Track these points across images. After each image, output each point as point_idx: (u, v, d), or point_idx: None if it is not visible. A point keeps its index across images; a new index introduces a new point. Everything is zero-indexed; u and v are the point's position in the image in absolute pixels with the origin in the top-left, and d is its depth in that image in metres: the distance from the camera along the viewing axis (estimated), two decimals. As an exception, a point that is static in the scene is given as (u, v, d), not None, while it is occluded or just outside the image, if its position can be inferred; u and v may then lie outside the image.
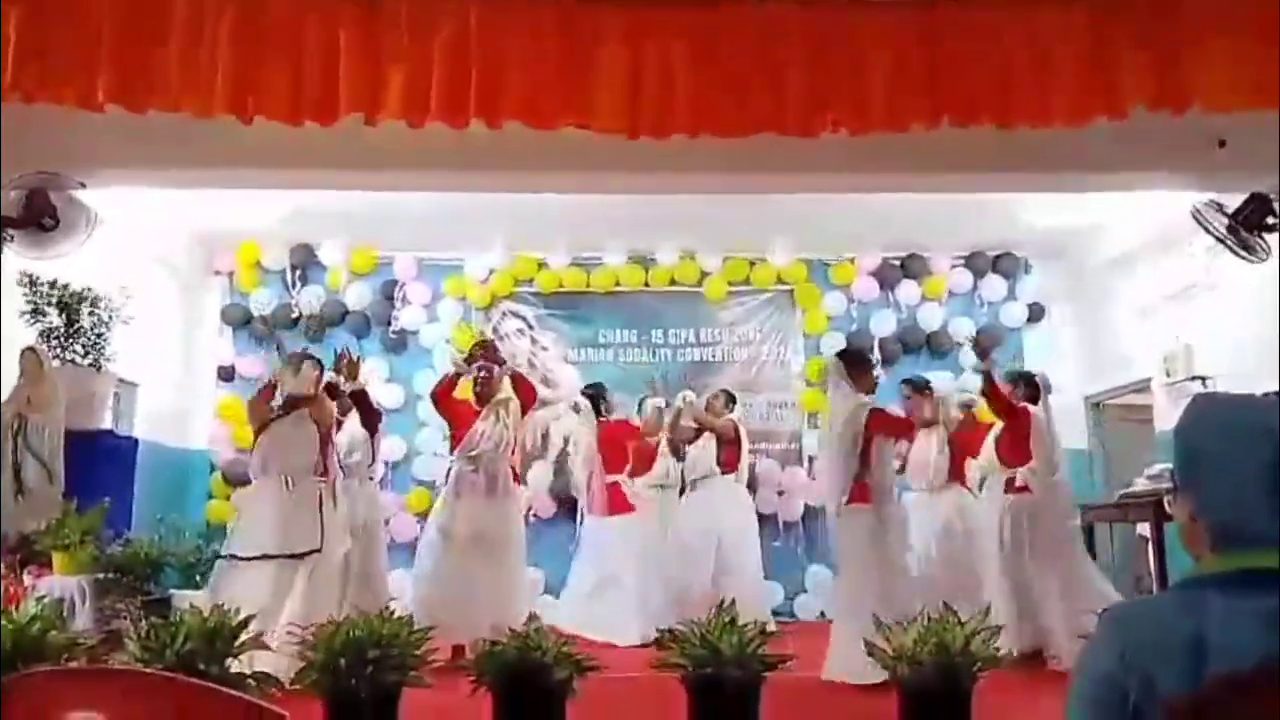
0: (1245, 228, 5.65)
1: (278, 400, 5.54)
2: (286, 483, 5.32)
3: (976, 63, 4.92)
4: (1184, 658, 1.22)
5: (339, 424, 6.18)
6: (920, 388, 6.61)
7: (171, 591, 6.74)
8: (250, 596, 4.87)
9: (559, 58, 4.88)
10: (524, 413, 6.43)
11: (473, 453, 6.11)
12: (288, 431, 5.44)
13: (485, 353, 6.47)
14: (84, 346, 6.30)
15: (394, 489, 8.42)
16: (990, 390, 6.05)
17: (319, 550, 5.27)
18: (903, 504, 5.88)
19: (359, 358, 6.56)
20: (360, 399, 6.31)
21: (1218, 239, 5.74)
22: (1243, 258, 5.71)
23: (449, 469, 6.34)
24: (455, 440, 6.28)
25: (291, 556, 5.17)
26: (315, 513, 5.34)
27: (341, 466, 6.11)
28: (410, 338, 8.87)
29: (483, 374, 6.32)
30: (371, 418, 6.40)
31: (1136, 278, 7.85)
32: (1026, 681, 4.97)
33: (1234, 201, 5.73)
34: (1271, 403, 1.34)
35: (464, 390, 6.44)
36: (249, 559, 5.16)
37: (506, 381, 6.32)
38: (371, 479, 6.63)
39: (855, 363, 5.83)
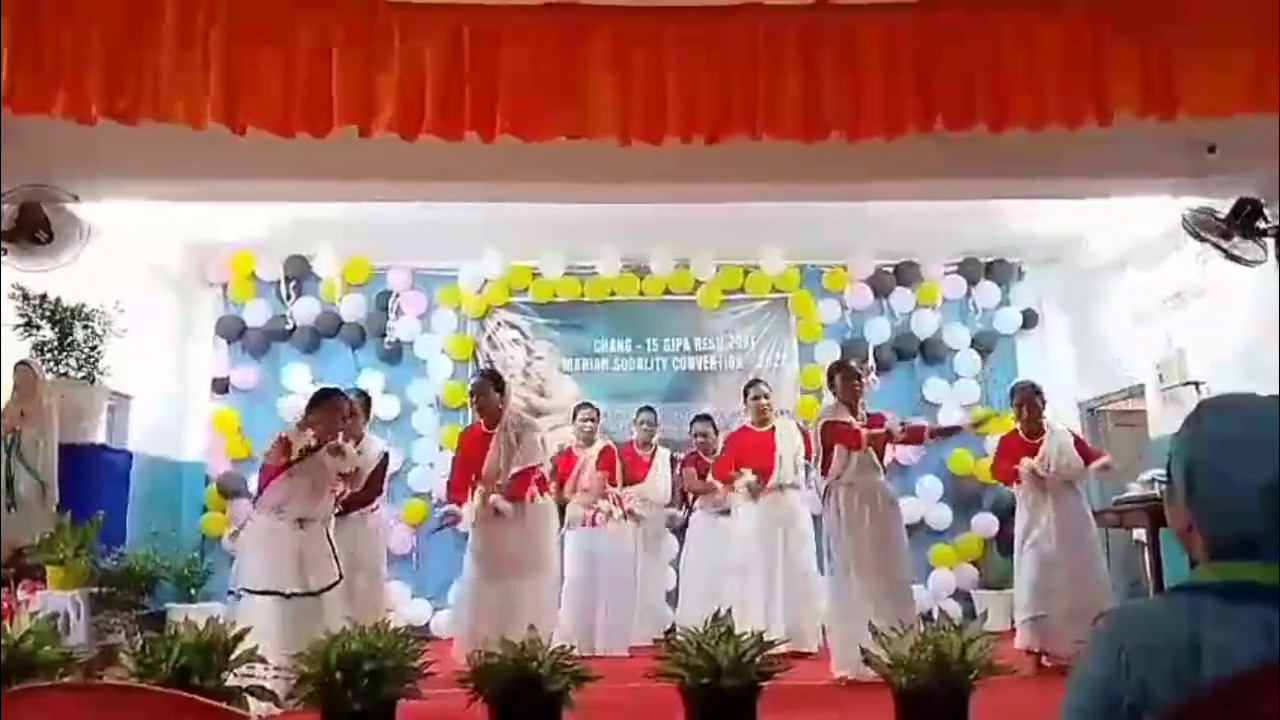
0: (1236, 233, 5.67)
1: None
2: (299, 525, 5.22)
3: (969, 67, 4.94)
4: (1181, 662, 1.22)
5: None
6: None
7: (167, 605, 6.72)
8: (275, 632, 4.83)
9: (552, 67, 4.88)
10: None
11: (495, 480, 6.08)
12: (309, 477, 5.30)
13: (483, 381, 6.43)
14: (77, 360, 6.28)
15: (390, 501, 8.39)
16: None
17: (340, 580, 5.26)
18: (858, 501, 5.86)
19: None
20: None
21: (1212, 245, 5.77)
22: (1237, 261, 5.74)
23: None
24: (464, 465, 6.33)
25: (319, 592, 5.13)
26: (328, 547, 5.30)
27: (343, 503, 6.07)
28: (405, 348, 8.86)
29: (476, 400, 6.29)
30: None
31: (1129, 283, 7.87)
32: (1024, 689, 4.98)
33: (1225, 207, 5.76)
34: (1276, 407, 1.33)
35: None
36: (269, 594, 5.04)
37: (510, 407, 6.36)
38: (375, 511, 6.37)
39: (835, 371, 6.19)
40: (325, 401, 5.51)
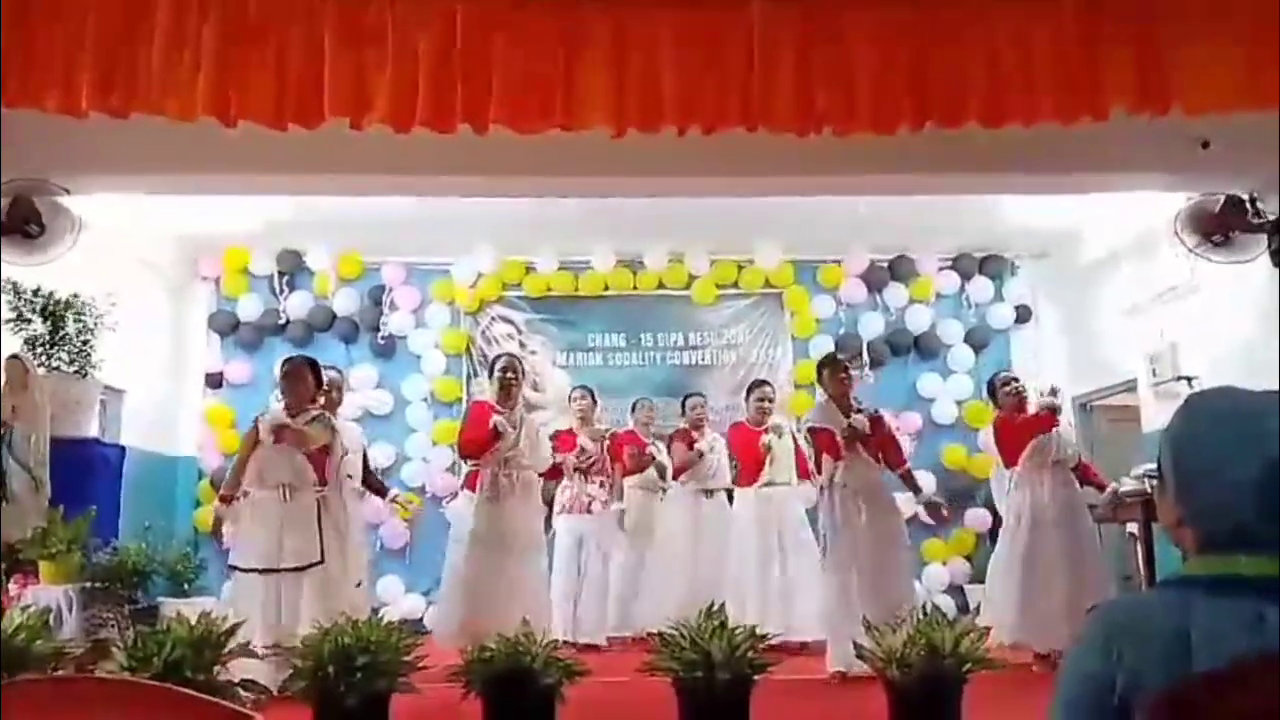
0: (1227, 230, 5.68)
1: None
2: (284, 494, 5.24)
3: (962, 62, 4.94)
4: (1172, 654, 1.22)
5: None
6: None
7: (159, 600, 6.71)
8: (253, 609, 4.84)
9: (545, 60, 4.87)
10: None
11: (507, 455, 6.02)
12: (290, 444, 5.34)
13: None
14: (69, 354, 6.26)
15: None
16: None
17: (321, 562, 5.23)
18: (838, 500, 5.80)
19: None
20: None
21: (1199, 244, 5.79)
22: (1222, 260, 5.76)
23: (471, 472, 6.30)
24: (473, 441, 6.17)
25: (294, 570, 5.12)
26: (314, 525, 5.28)
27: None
28: (399, 343, 8.85)
29: (508, 376, 6.27)
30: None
31: (1122, 278, 7.89)
32: (1015, 681, 4.99)
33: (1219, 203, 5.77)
34: (1266, 403, 1.33)
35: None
36: (248, 570, 5.14)
37: (530, 388, 6.33)
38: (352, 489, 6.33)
39: (822, 366, 6.17)
40: (290, 370, 5.56)
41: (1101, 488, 6.45)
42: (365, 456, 6.56)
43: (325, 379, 5.98)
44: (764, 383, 7.39)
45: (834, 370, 6.04)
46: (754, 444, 6.94)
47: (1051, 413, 6.24)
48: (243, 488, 5.37)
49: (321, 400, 5.75)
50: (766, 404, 7.06)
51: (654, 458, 7.37)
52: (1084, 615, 5.72)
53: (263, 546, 5.15)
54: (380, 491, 6.65)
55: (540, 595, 5.93)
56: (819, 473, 5.95)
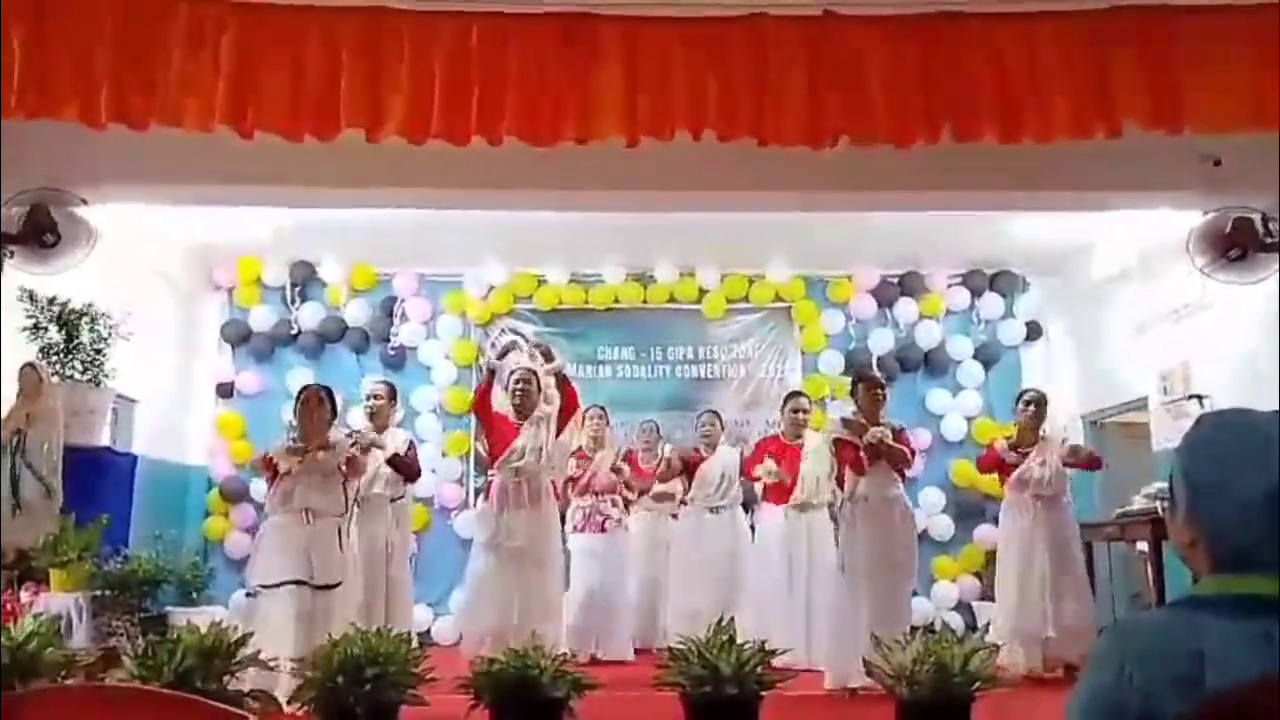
0: (1240, 249, 5.66)
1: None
2: (307, 518, 5.24)
3: (974, 80, 4.95)
4: (1185, 674, 1.22)
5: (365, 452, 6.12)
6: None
7: (169, 608, 6.73)
8: (280, 625, 4.87)
9: (559, 73, 4.90)
10: (566, 418, 6.37)
11: (516, 464, 6.07)
12: (314, 472, 5.36)
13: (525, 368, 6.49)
14: (83, 362, 6.30)
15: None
16: None
17: (341, 584, 5.26)
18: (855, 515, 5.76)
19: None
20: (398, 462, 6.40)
21: (1209, 264, 5.77)
22: (1233, 280, 5.75)
23: (489, 482, 6.32)
24: (494, 453, 6.24)
25: (323, 587, 5.13)
26: (336, 547, 5.31)
27: (360, 498, 6.05)
28: (409, 354, 8.87)
29: (520, 387, 6.30)
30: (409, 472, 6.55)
31: (1134, 295, 7.87)
32: (1024, 697, 4.97)
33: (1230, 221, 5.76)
34: (1277, 423, 1.33)
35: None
36: (275, 585, 5.10)
37: (543, 400, 6.33)
38: (398, 500, 6.54)
39: (856, 381, 6.18)
40: (300, 402, 5.60)
41: (1093, 464, 6.56)
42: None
43: (370, 392, 6.38)
44: (799, 394, 7.32)
45: (868, 386, 6.01)
46: (791, 459, 6.83)
47: (1005, 462, 6.36)
48: (265, 510, 5.42)
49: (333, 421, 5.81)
50: (802, 416, 7.01)
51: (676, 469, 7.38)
52: (1064, 643, 5.75)
53: (288, 562, 5.13)
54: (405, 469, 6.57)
55: (549, 607, 5.92)
56: (840, 486, 5.90)
